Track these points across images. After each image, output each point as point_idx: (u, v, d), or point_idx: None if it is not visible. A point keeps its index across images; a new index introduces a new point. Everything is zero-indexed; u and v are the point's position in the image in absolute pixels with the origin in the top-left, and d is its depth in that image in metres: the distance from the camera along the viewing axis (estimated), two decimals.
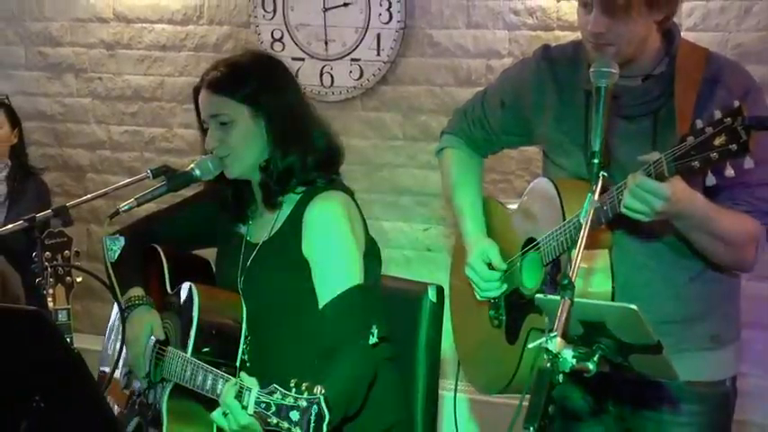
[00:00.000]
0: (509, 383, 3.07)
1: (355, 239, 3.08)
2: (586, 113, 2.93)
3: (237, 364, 3.06)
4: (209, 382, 2.91)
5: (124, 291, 3.21)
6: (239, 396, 2.72)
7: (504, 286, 3.12)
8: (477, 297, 3.18)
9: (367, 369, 2.99)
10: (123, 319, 3.08)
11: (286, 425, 2.60)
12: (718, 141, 2.45)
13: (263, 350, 3.10)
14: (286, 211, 3.13)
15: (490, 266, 3.12)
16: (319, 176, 3.13)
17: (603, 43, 2.80)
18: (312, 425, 2.58)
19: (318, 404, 2.58)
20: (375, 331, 2.97)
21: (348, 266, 3.04)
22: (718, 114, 2.46)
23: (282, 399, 2.61)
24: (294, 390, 2.61)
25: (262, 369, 2.98)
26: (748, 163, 2.44)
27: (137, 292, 3.21)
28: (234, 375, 2.88)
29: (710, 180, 2.52)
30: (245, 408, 2.69)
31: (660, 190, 2.58)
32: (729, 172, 2.47)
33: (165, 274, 3.27)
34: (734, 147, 2.43)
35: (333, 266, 3.05)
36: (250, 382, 2.72)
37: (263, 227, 3.18)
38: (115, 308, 3.41)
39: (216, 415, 2.80)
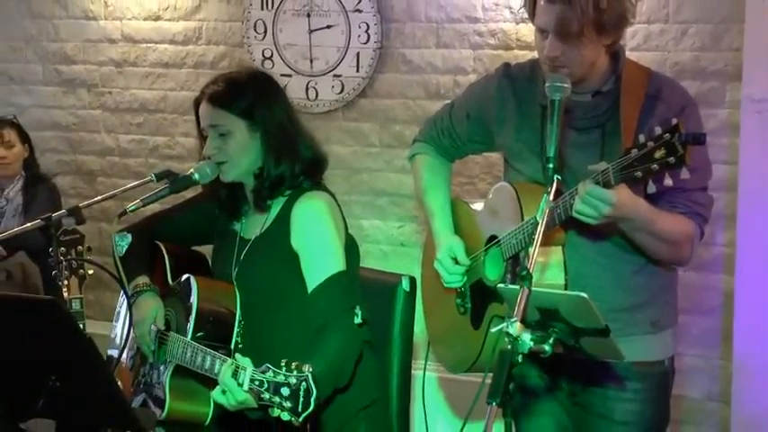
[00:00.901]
0: (474, 363, 3.08)
1: (337, 232, 3.07)
2: (542, 125, 2.93)
3: (232, 346, 3.05)
4: (207, 363, 2.90)
5: (132, 279, 3.21)
6: (235, 375, 2.71)
7: (466, 279, 3.12)
8: (444, 286, 3.18)
9: (354, 345, 2.98)
10: (130, 306, 3.08)
11: (278, 399, 2.60)
12: (658, 154, 2.47)
13: (255, 333, 3.10)
14: (275, 209, 3.13)
15: (456, 261, 3.13)
16: (305, 181, 3.13)
17: (558, 65, 2.81)
18: (301, 399, 2.59)
19: (306, 381, 2.59)
20: (359, 312, 2.98)
21: (332, 254, 3.04)
22: (658, 130, 2.48)
23: (274, 376, 2.62)
24: (284, 368, 2.62)
25: (253, 350, 2.98)
26: (684, 174, 2.47)
27: (143, 279, 3.21)
28: (229, 356, 2.88)
29: (651, 188, 2.54)
30: (240, 385, 2.69)
31: (607, 197, 2.60)
32: (668, 181, 2.49)
33: (166, 267, 3.26)
34: (672, 159, 2.45)
35: (319, 255, 3.04)
36: (245, 362, 2.71)
37: (254, 224, 3.17)
38: (122, 295, 3.40)
39: (216, 393, 2.79)
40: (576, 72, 2.81)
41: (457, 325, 3.19)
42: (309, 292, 3.02)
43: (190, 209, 3.37)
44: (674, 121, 2.47)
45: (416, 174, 3.33)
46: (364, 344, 3.08)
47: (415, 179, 3.35)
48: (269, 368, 2.64)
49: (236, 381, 2.71)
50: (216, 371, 2.85)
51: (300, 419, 2.61)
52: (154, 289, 3.19)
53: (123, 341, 3.22)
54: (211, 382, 2.92)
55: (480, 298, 3.08)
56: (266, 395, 2.62)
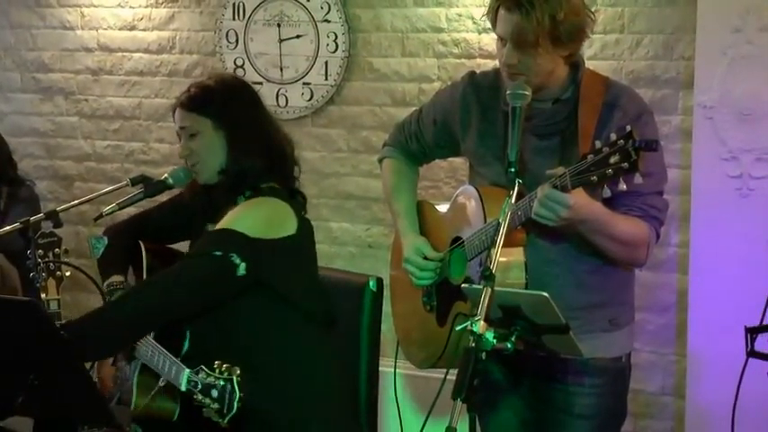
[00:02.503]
0: (439, 359, 3.08)
1: (253, 227, 2.94)
2: (505, 131, 2.93)
3: (185, 346, 3.01)
4: (160, 363, 2.90)
5: (105, 279, 3.19)
6: (177, 377, 2.75)
7: (437, 276, 3.12)
8: (414, 284, 3.17)
9: (206, 272, 2.92)
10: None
11: (207, 401, 2.64)
12: (613, 160, 2.48)
13: (205, 333, 3.03)
14: (233, 205, 3.11)
15: (425, 259, 3.12)
16: (269, 181, 3.06)
17: (515, 73, 2.82)
18: (226, 401, 2.62)
19: (231, 383, 2.62)
20: (239, 262, 2.88)
21: (240, 220, 2.95)
22: (613, 137, 2.50)
23: (206, 378, 2.65)
24: (216, 370, 2.65)
25: (203, 351, 2.95)
26: (637, 179, 2.48)
27: (117, 278, 3.17)
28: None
29: (606, 192, 2.55)
30: (179, 385, 2.73)
31: (564, 200, 2.61)
32: (622, 186, 2.50)
33: (143, 265, 3.24)
34: (626, 165, 2.46)
35: (227, 218, 2.97)
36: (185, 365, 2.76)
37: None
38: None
39: None
40: (532, 80, 2.82)
41: (423, 322, 3.19)
42: None
43: (169, 208, 3.36)
44: (628, 128, 2.49)
45: (384, 177, 3.33)
46: (324, 341, 3.06)
47: (384, 182, 3.35)
48: (202, 369, 2.67)
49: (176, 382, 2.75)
50: (166, 371, 2.86)
51: (225, 421, 2.63)
52: (127, 287, 3.16)
53: None
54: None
55: (445, 297, 3.08)
56: (198, 396, 2.66)
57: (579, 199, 2.63)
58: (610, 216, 2.76)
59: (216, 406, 2.62)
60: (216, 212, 3.14)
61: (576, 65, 2.91)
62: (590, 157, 2.52)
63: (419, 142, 3.25)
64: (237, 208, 3.01)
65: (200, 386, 2.65)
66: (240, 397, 2.61)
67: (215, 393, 2.63)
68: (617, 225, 2.78)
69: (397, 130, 3.33)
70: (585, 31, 2.83)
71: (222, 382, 2.62)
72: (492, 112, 3.01)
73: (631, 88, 3.03)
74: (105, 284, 3.17)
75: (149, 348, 2.95)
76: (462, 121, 3.08)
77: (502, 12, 2.80)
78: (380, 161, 3.37)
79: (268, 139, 3.10)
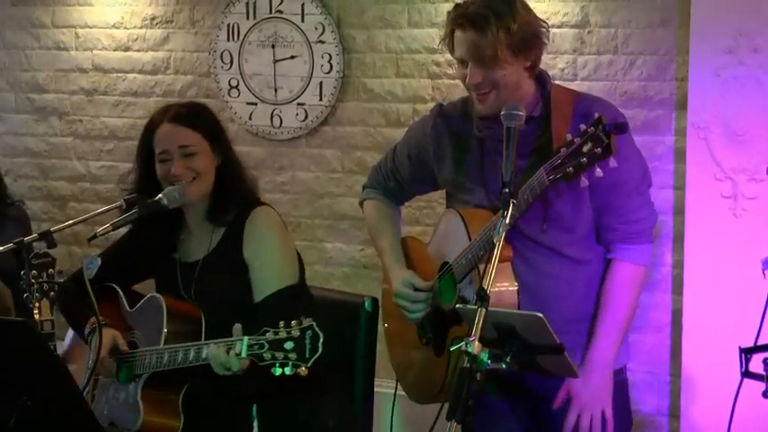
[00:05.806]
0: (440, 391, 3.04)
1: (290, 244, 3.12)
2: (481, 156, 2.96)
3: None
4: (191, 355, 2.88)
5: (82, 325, 3.16)
6: (229, 350, 2.74)
7: (429, 307, 3.10)
8: (409, 320, 3.14)
9: None
10: (100, 338, 3.02)
11: (281, 355, 2.63)
12: (585, 148, 2.55)
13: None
14: (222, 226, 3.13)
15: (414, 290, 3.11)
16: (247, 196, 3.18)
17: (484, 92, 2.84)
18: (308, 346, 2.62)
19: (312, 328, 2.63)
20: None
21: (284, 267, 3.06)
22: (583, 126, 2.53)
23: (274, 335, 2.65)
24: (283, 327, 2.66)
25: None
26: (612, 163, 2.53)
27: (93, 318, 3.12)
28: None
29: (584, 182, 2.58)
30: (238, 355, 2.71)
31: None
32: (599, 173, 2.54)
33: (122, 298, 3.23)
34: (599, 150, 2.51)
35: (271, 267, 3.05)
36: (237, 330, 2.77)
37: (197, 246, 3.17)
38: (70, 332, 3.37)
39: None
40: (502, 96, 2.82)
41: (421, 355, 3.16)
42: (257, 301, 3.03)
43: (122, 250, 3.32)
44: (596, 114, 2.53)
45: (367, 218, 3.36)
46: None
47: (367, 223, 3.38)
48: (267, 330, 2.67)
49: (232, 353, 2.74)
50: (204, 356, 2.83)
51: (309, 364, 2.63)
52: (107, 323, 3.13)
53: (86, 379, 3.16)
54: (180, 393, 2.96)
55: (440, 325, 3.06)
56: (267, 355, 2.65)
57: (588, 382, 2.82)
58: (609, 345, 2.87)
59: (294, 355, 2.63)
60: (176, 240, 3.17)
61: (542, 79, 2.93)
62: (563, 150, 2.56)
63: (396, 180, 3.26)
64: (264, 234, 3.09)
65: (266, 346, 2.66)
66: (324, 339, 2.64)
67: (290, 345, 2.63)
68: (617, 324, 2.88)
69: (374, 171, 3.35)
70: (541, 38, 2.86)
71: (298, 332, 2.63)
72: (465, 140, 3.02)
73: (603, 99, 3.06)
74: (90, 322, 3.13)
75: (165, 353, 2.94)
76: (436, 154, 3.09)
77: (457, 33, 2.83)
78: (361, 204, 3.38)
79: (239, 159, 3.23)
